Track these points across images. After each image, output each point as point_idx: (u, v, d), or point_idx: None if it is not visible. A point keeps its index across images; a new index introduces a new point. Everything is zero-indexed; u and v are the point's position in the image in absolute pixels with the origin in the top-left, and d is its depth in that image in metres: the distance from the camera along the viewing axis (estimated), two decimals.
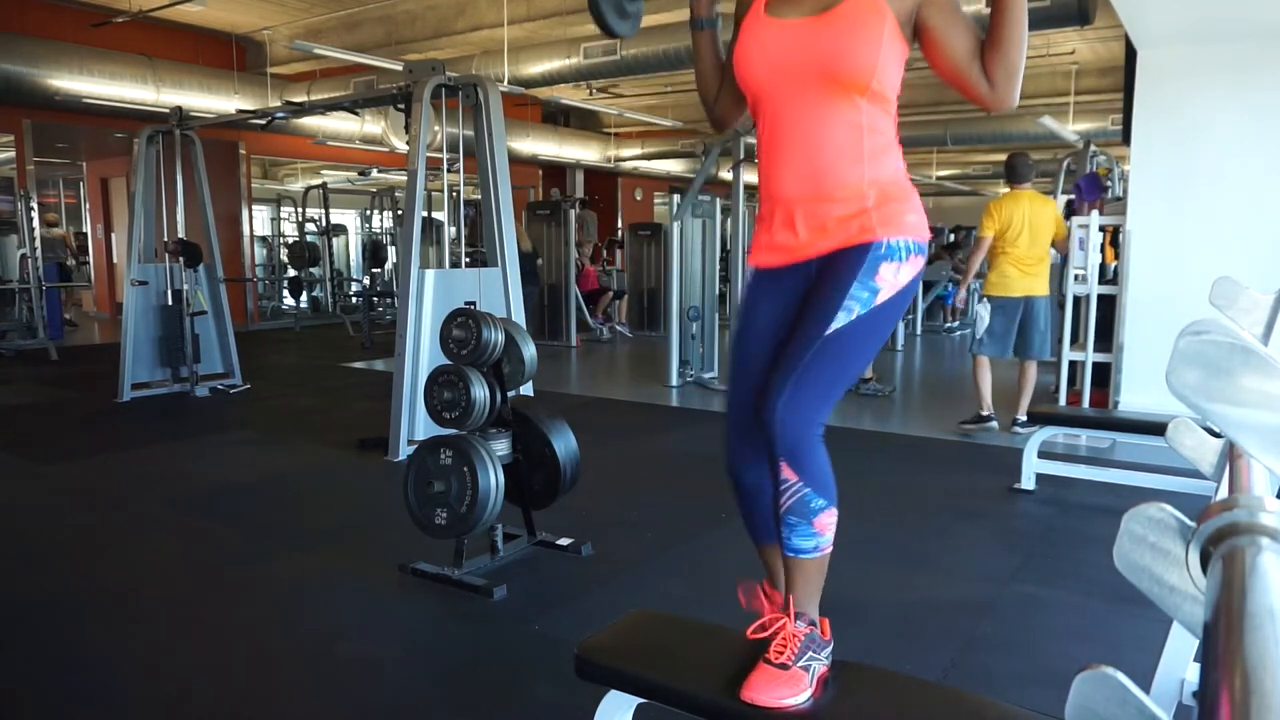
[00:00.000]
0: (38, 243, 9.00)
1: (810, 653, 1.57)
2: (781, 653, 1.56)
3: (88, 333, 11.34)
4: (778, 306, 1.66)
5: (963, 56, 1.52)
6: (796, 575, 1.60)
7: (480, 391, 2.98)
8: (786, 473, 1.52)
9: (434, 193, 8.05)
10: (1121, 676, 0.55)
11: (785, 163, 1.59)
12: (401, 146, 8.55)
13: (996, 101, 1.52)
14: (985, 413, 5.22)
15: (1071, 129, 11.64)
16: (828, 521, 1.56)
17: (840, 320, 1.51)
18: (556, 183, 15.37)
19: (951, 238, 13.56)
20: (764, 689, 1.51)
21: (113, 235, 12.30)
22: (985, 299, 5.18)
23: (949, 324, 11.41)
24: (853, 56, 1.51)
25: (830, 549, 1.60)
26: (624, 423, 5.84)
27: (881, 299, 1.54)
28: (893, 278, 1.54)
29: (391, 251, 11.86)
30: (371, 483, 4.33)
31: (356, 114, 10.76)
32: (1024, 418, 5.14)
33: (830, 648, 1.63)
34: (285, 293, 13.22)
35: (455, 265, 5.56)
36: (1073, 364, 5.20)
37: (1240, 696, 0.42)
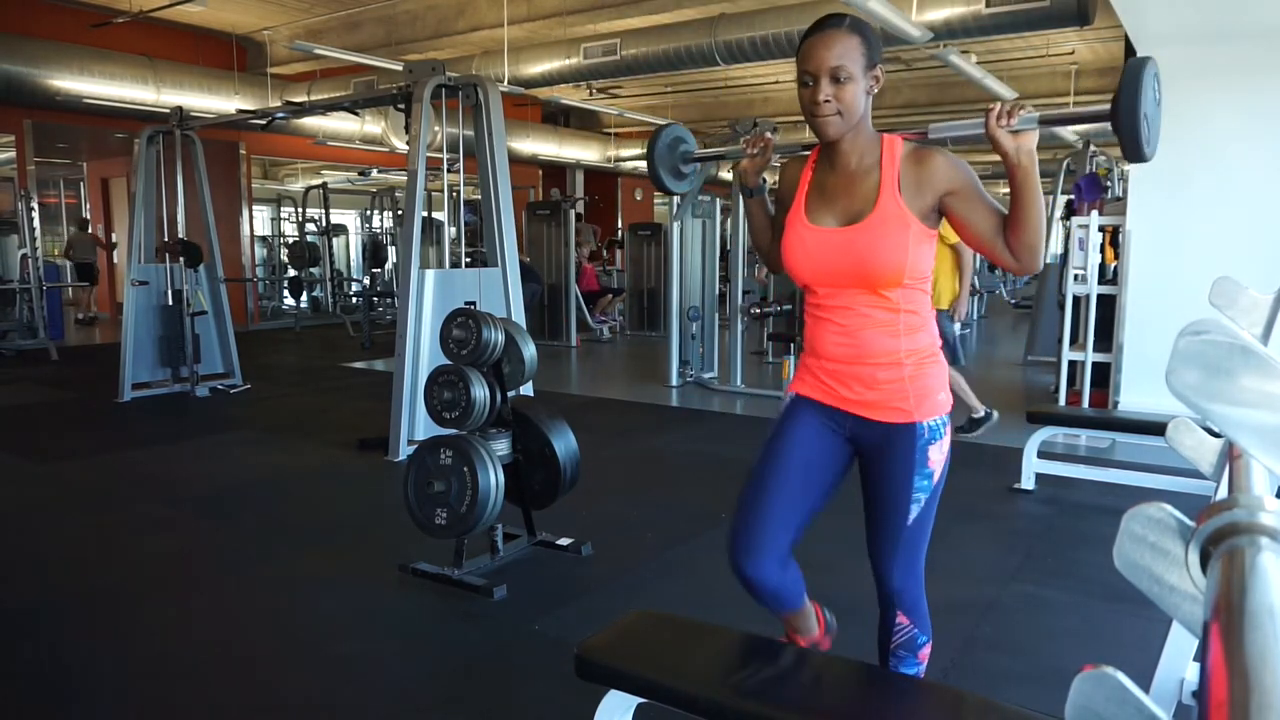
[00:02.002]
0: (38, 243, 9.00)
1: None
2: None
3: (88, 333, 11.35)
4: (811, 432, 1.82)
5: (987, 235, 1.68)
6: None
7: (480, 391, 2.98)
8: (902, 619, 1.80)
9: (434, 193, 8.05)
10: (1121, 676, 0.55)
11: (829, 332, 1.78)
12: (401, 146, 8.55)
13: (1022, 270, 1.69)
14: (980, 414, 5.19)
15: (1071, 129, 11.64)
16: (927, 652, 1.84)
17: (915, 511, 1.76)
18: (556, 183, 15.37)
19: None
20: None
21: (113, 235, 12.31)
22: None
23: None
24: (884, 263, 1.68)
25: (925, 673, 1.86)
26: (624, 423, 5.84)
27: (937, 477, 1.76)
28: (940, 455, 1.75)
29: (391, 251, 11.86)
30: (371, 483, 4.33)
31: (356, 114, 10.77)
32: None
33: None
34: (285, 293, 13.21)
35: (455, 265, 5.56)
36: (1072, 364, 5.20)
37: (1240, 696, 0.42)
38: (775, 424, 1.88)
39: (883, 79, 1.73)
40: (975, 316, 12.36)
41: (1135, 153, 1.55)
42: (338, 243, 13.79)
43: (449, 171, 5.18)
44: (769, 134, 1.95)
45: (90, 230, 12.00)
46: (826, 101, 1.65)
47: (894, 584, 1.80)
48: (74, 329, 11.35)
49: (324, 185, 12.77)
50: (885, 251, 1.67)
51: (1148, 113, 1.53)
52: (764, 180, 1.98)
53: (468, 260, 5.82)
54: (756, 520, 1.80)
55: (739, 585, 1.83)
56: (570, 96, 12.42)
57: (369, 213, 12.99)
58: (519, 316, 5.04)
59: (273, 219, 14.48)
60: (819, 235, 1.75)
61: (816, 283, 1.77)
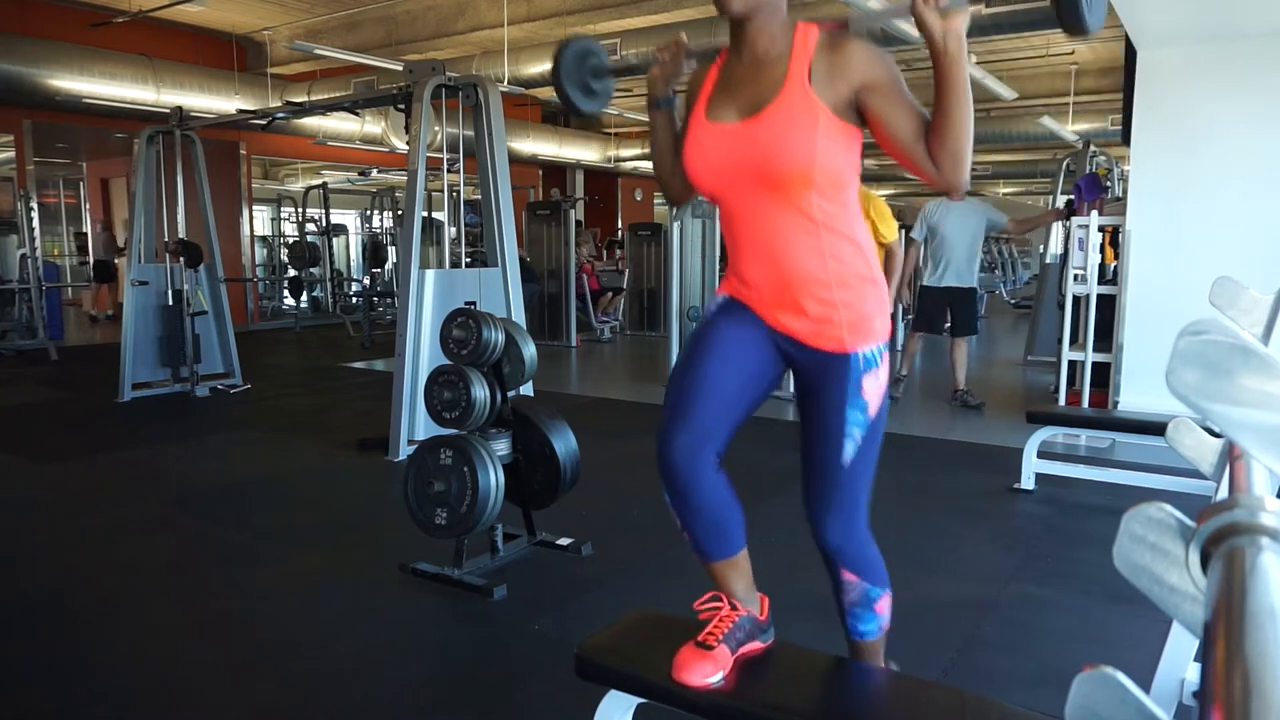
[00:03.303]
0: (38, 243, 9.00)
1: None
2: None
3: (88, 333, 11.35)
4: (746, 335, 1.64)
5: (906, 139, 1.49)
6: (867, 655, 1.76)
7: (480, 391, 2.98)
8: (848, 576, 1.68)
9: (434, 193, 8.05)
10: (1121, 676, 0.55)
11: (750, 256, 1.61)
12: (401, 146, 8.54)
13: (944, 184, 1.50)
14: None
15: (1071, 129, 11.64)
16: (885, 604, 1.73)
17: (850, 449, 1.60)
18: (556, 183, 15.37)
19: None
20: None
21: (116, 238, 12.33)
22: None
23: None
24: (786, 159, 1.50)
25: (889, 624, 1.76)
26: (624, 423, 5.84)
27: (873, 410, 1.61)
28: (876, 386, 1.61)
29: (391, 251, 11.86)
30: (371, 483, 4.33)
31: (357, 114, 10.77)
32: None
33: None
34: (285, 293, 13.22)
35: (455, 265, 5.56)
36: (1072, 364, 5.20)
37: (1240, 696, 0.42)
38: (708, 316, 1.70)
39: None
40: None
41: (1074, 19, 1.35)
42: (338, 243, 13.79)
43: (449, 171, 5.18)
44: (682, 35, 1.74)
45: (110, 231, 12.12)
46: None
47: (831, 541, 1.65)
48: (75, 329, 11.35)
49: (324, 185, 12.77)
50: (789, 146, 1.48)
51: None
52: (673, 93, 1.78)
53: (468, 260, 5.82)
54: (693, 405, 1.58)
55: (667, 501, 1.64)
56: None
57: (369, 213, 12.99)
58: (519, 316, 5.05)
59: (273, 219, 14.47)
60: (717, 134, 1.57)
61: (718, 188, 1.60)
